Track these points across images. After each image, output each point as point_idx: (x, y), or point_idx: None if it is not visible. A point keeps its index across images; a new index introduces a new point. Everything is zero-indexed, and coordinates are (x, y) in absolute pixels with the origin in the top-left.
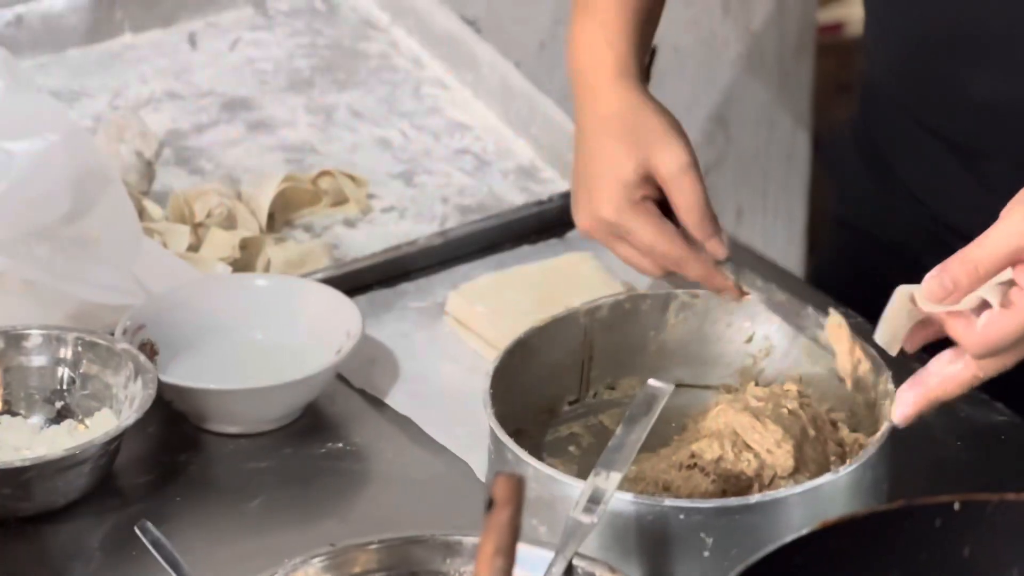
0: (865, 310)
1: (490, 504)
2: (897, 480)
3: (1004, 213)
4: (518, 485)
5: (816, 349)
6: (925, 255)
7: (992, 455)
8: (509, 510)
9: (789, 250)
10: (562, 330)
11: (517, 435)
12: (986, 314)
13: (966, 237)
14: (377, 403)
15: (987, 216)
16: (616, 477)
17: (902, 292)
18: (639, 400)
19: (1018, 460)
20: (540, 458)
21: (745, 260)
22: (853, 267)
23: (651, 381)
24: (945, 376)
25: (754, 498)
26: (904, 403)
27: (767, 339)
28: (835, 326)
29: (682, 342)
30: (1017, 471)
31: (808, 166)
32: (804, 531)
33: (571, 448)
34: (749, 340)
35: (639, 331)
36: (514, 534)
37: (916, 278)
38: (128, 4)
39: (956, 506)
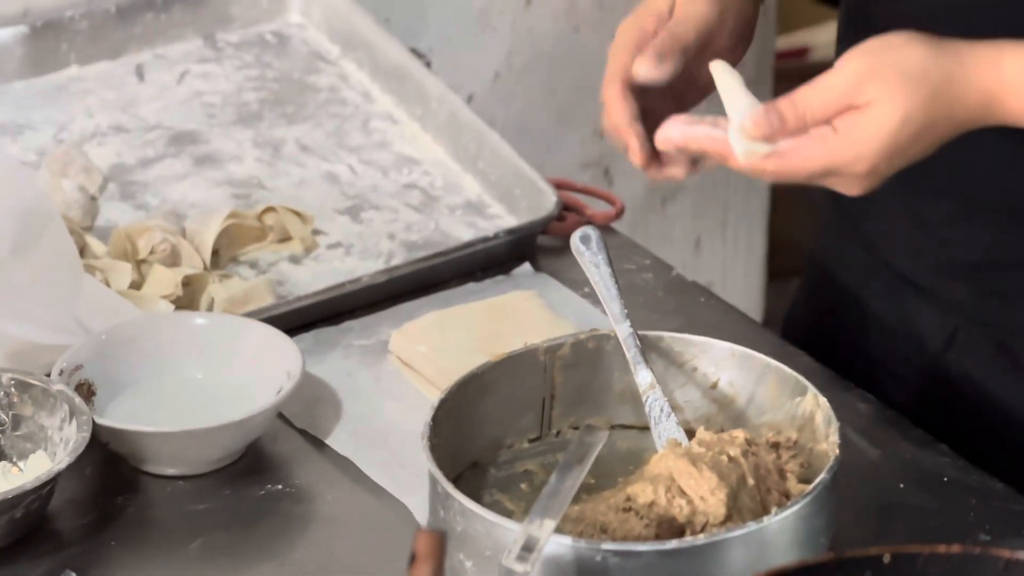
0: (824, 354)
1: (412, 559)
2: (844, 524)
3: (840, 62)
4: (439, 540)
5: (778, 397)
6: (875, 300)
7: (937, 498)
8: (430, 566)
9: (748, 282)
10: (520, 367)
11: (472, 468)
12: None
13: (911, 284)
14: (319, 443)
15: (928, 263)
16: (550, 525)
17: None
18: (573, 447)
19: (962, 502)
20: (485, 493)
21: (699, 299)
22: (816, 309)
23: (587, 425)
24: (715, 137)
25: (654, 544)
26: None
27: (732, 385)
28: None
29: None
30: (961, 513)
31: (768, 196)
32: None
33: (523, 485)
34: (714, 386)
35: (604, 371)
36: None
37: (867, 327)
38: (74, 36)
39: (886, 558)
